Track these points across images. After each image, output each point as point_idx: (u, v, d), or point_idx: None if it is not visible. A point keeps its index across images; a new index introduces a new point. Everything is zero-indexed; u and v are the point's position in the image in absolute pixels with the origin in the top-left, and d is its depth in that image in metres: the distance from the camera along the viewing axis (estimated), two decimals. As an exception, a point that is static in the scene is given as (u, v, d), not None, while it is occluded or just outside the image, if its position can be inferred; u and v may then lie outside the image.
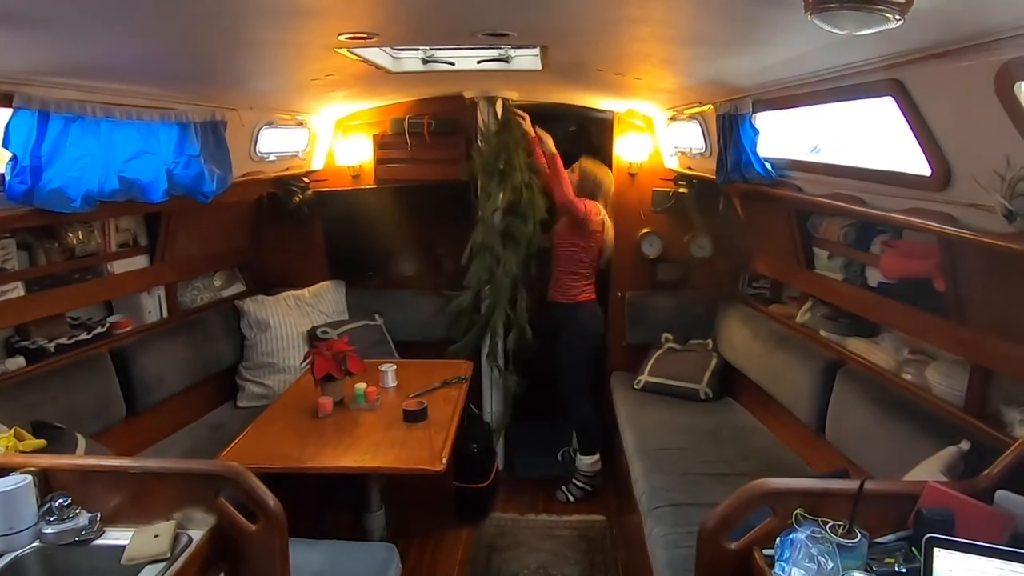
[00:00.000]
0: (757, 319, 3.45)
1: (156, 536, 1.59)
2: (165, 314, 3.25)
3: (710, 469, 2.81)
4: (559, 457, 4.06)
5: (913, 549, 1.47)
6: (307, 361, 2.91)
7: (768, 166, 2.61)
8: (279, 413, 2.82)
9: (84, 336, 2.73)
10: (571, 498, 3.70)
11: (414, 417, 2.72)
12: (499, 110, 3.59)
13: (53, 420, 2.23)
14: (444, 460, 2.41)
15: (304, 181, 3.86)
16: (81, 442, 2.21)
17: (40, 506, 1.63)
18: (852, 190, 2.18)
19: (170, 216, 3.08)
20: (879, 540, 1.53)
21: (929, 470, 1.82)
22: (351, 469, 2.51)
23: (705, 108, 2.87)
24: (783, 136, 2.57)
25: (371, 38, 1.93)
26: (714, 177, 2.84)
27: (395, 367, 3.08)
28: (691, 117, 3.12)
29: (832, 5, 1.10)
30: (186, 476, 1.71)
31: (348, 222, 3.86)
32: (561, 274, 3.56)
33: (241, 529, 1.65)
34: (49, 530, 1.60)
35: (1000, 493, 1.51)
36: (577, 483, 3.72)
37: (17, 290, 2.46)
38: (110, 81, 2.14)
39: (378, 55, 2.46)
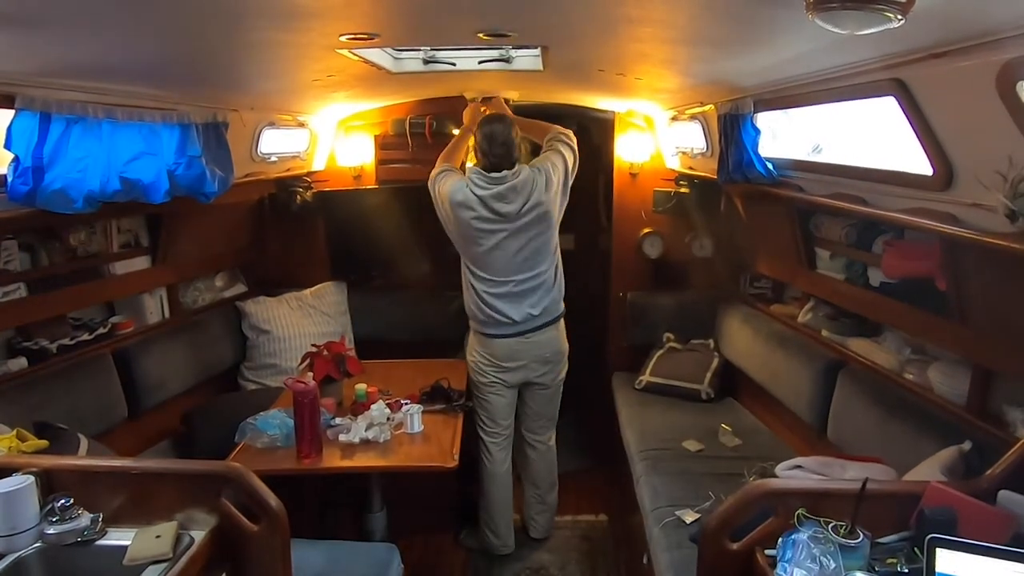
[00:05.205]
0: (759, 319, 3.45)
1: (158, 537, 1.59)
2: (167, 315, 3.25)
3: (712, 469, 2.81)
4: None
5: (915, 549, 1.47)
6: (305, 363, 2.91)
7: (769, 166, 2.61)
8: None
9: (86, 337, 2.73)
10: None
11: None
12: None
13: (55, 421, 2.23)
14: (455, 456, 2.42)
15: (306, 182, 3.86)
16: (83, 443, 2.21)
17: (42, 507, 1.63)
18: (854, 190, 2.18)
19: (172, 217, 3.08)
20: (881, 540, 1.52)
21: (929, 470, 1.82)
22: (363, 469, 2.52)
23: (706, 108, 2.86)
24: (788, 136, 2.57)
25: (372, 39, 1.93)
26: (715, 177, 2.83)
27: (421, 408, 2.71)
28: (692, 117, 3.12)
29: (833, 5, 1.10)
30: (188, 477, 1.71)
31: (350, 223, 3.86)
32: None
33: (243, 529, 1.65)
34: (51, 531, 1.60)
35: (1003, 493, 1.51)
36: None
37: (19, 291, 2.46)
38: (112, 82, 2.14)
39: (379, 56, 2.46)
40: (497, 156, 2.83)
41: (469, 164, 3.04)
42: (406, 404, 2.72)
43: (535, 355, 3.01)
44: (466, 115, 3.30)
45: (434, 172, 3.03)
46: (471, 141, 3.03)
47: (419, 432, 2.63)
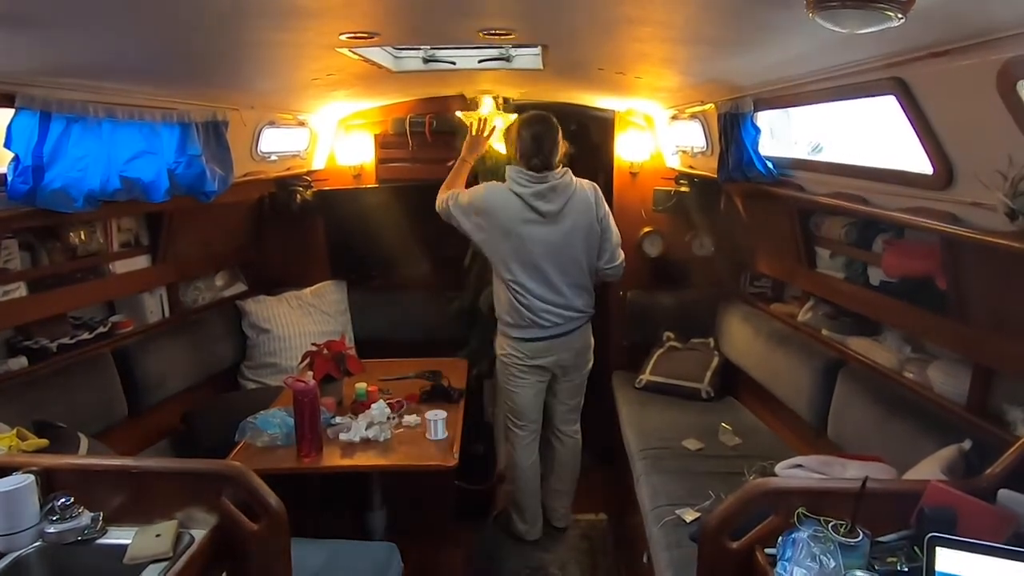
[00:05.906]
0: (759, 318, 3.45)
1: (158, 535, 1.59)
2: (167, 314, 3.25)
3: (712, 468, 2.81)
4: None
5: (915, 548, 1.46)
6: (305, 362, 2.91)
7: (769, 165, 2.61)
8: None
9: (86, 336, 2.72)
10: None
11: None
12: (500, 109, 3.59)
13: (55, 420, 2.22)
14: (455, 455, 2.42)
15: (306, 181, 3.86)
16: (83, 442, 2.21)
17: (42, 506, 1.63)
18: (854, 189, 2.18)
19: (172, 216, 3.08)
20: (881, 539, 1.52)
21: (929, 469, 1.82)
22: (363, 468, 2.51)
23: (706, 107, 2.86)
24: (787, 134, 2.57)
25: (372, 37, 1.93)
26: (715, 176, 2.83)
27: (446, 415, 2.63)
28: (692, 116, 3.12)
29: (834, 3, 1.09)
30: (188, 476, 1.71)
31: (349, 222, 3.86)
32: None
33: (243, 528, 1.65)
34: (51, 530, 1.60)
35: (1003, 492, 1.51)
36: None
37: (20, 290, 2.46)
38: (112, 81, 2.14)
39: (379, 55, 2.46)
40: (544, 158, 2.85)
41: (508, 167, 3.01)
42: (431, 413, 2.63)
43: (567, 347, 3.07)
44: (466, 146, 3.24)
45: (443, 196, 3.04)
46: (510, 139, 3.04)
47: (444, 439, 2.58)
